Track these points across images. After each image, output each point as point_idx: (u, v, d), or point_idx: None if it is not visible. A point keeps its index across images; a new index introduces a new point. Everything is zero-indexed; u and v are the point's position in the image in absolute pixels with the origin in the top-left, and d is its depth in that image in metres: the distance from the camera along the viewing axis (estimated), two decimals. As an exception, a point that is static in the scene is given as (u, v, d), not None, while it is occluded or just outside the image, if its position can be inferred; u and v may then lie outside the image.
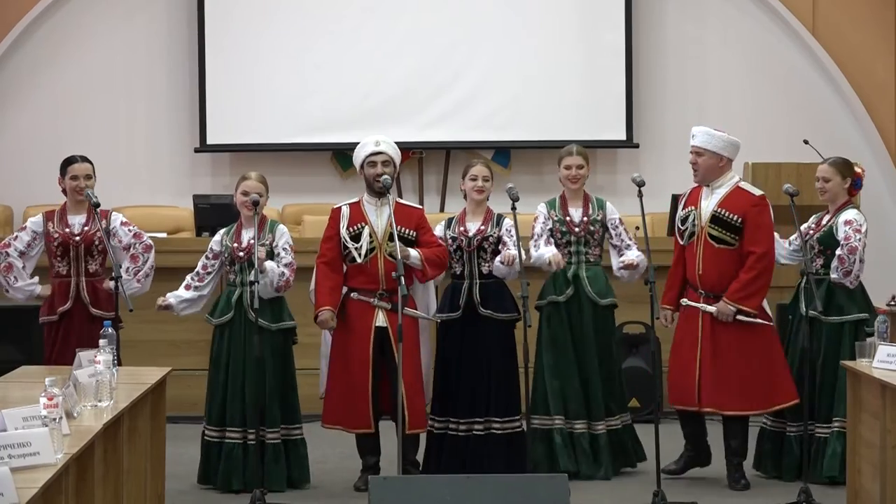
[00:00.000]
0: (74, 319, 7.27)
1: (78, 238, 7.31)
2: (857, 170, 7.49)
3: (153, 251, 7.49)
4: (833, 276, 7.28)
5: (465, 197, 7.58)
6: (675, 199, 8.08)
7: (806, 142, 10.67)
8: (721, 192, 7.34)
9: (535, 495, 5.12)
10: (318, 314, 7.16)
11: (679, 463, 7.55)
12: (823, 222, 7.42)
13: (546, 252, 7.43)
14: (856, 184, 7.44)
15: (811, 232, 7.42)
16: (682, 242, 7.40)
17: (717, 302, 7.25)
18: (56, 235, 7.29)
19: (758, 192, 7.41)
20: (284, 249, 7.27)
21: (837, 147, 10.25)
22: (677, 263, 7.46)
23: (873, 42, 11.63)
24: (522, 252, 7.19)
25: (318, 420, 7.40)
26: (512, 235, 7.33)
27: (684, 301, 7.34)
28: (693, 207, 7.37)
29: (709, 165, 7.36)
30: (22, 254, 7.29)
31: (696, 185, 7.46)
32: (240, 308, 7.17)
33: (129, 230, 7.49)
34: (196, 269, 7.37)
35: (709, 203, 7.33)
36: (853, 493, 6.65)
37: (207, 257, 7.36)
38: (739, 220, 7.26)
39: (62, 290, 7.29)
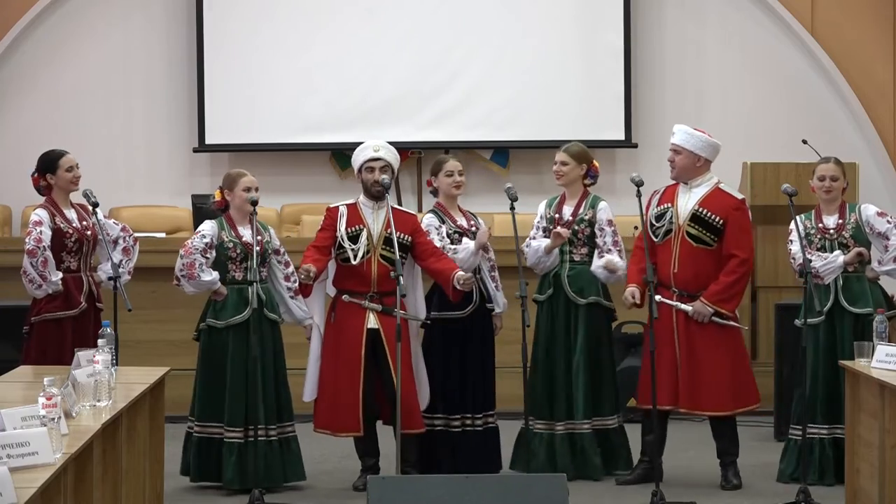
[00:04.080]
0: (83, 315, 7.28)
1: (89, 233, 7.34)
2: None
3: (138, 243, 7.56)
4: (885, 268, 7.30)
5: (434, 193, 7.57)
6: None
7: (805, 142, 10.68)
8: (700, 191, 7.30)
9: (534, 495, 5.12)
10: (301, 265, 7.08)
11: (633, 474, 7.38)
12: (833, 222, 7.35)
13: (540, 244, 7.43)
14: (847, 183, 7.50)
15: (830, 232, 7.34)
16: (655, 240, 7.28)
17: (690, 301, 7.23)
18: (70, 231, 7.29)
19: (739, 195, 7.40)
20: (283, 249, 7.39)
21: (836, 147, 10.25)
22: (645, 256, 7.25)
23: (872, 42, 11.63)
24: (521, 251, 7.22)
25: (307, 420, 7.40)
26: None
27: (658, 298, 7.24)
28: (669, 205, 7.32)
29: (685, 164, 7.32)
30: (49, 248, 7.26)
31: (672, 182, 7.41)
32: (256, 306, 7.13)
33: (115, 223, 7.54)
34: (199, 253, 7.16)
35: (687, 202, 7.29)
36: (852, 493, 6.65)
37: (207, 245, 7.21)
38: (721, 221, 7.23)
39: (77, 285, 7.30)
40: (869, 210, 7.37)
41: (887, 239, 7.31)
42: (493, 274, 7.51)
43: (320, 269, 7.14)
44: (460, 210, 7.56)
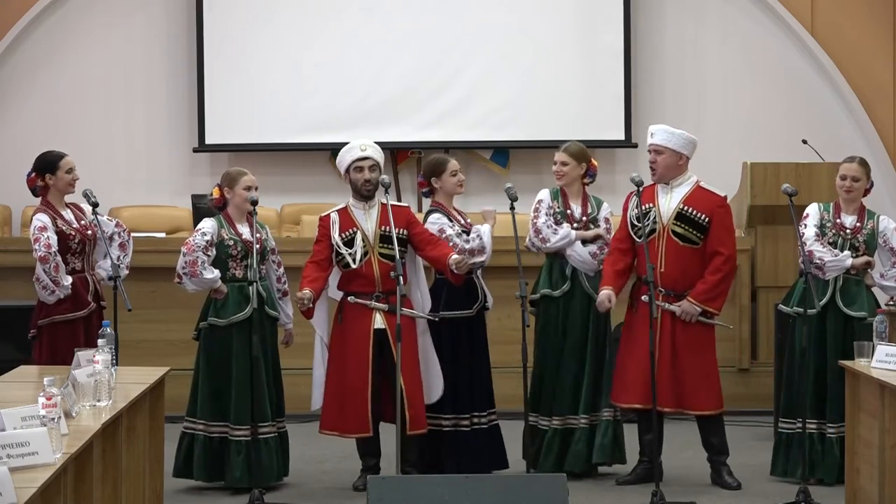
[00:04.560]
0: (95, 314, 7.28)
1: (89, 233, 7.34)
2: None
3: (131, 236, 7.56)
4: (885, 283, 7.34)
5: (428, 194, 7.58)
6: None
7: (805, 142, 10.69)
8: (682, 190, 7.30)
9: (534, 495, 5.11)
10: (298, 292, 7.08)
11: (633, 474, 7.39)
12: (851, 222, 7.35)
13: (570, 230, 7.44)
14: (871, 185, 7.46)
15: (846, 230, 7.33)
16: (639, 241, 7.25)
17: (676, 300, 7.22)
18: (73, 233, 7.28)
19: (721, 192, 7.40)
20: (276, 248, 7.43)
21: (836, 147, 10.28)
22: (623, 257, 7.32)
23: (872, 42, 11.64)
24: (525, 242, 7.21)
25: (306, 420, 7.39)
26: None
27: (645, 297, 7.17)
28: (651, 205, 7.30)
29: (668, 164, 7.31)
30: (57, 254, 7.26)
31: (652, 183, 7.38)
32: (257, 303, 7.15)
33: (109, 220, 7.55)
34: (201, 251, 7.14)
35: (669, 201, 7.29)
36: (852, 493, 6.65)
37: (208, 242, 7.20)
38: (707, 219, 7.23)
39: (84, 285, 7.29)
40: (889, 223, 7.38)
41: None
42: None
43: (318, 291, 7.13)
44: (455, 209, 7.57)
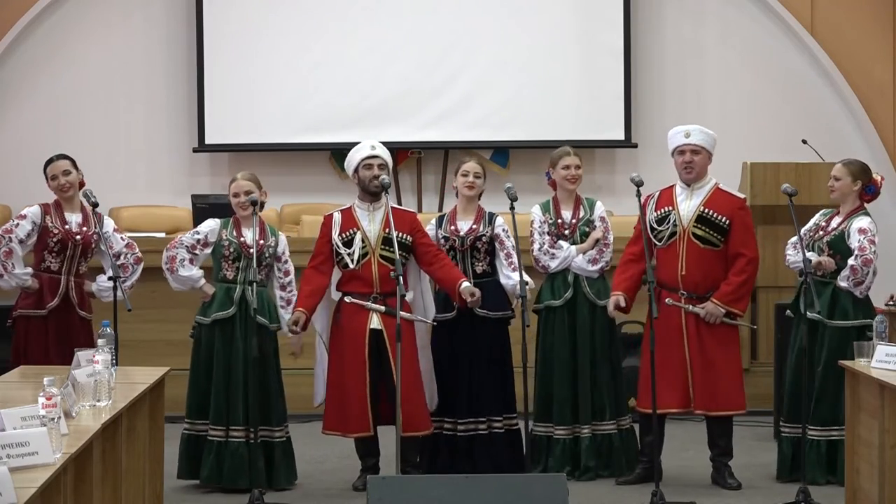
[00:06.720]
0: (59, 318, 7.25)
1: (78, 238, 7.30)
2: (875, 177, 7.38)
3: (142, 264, 7.48)
4: (842, 283, 7.22)
5: (456, 195, 7.58)
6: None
7: (805, 142, 10.69)
8: (703, 192, 7.28)
9: (534, 495, 5.12)
10: (293, 313, 7.15)
11: (633, 474, 7.37)
12: (832, 225, 7.33)
13: (570, 249, 7.44)
14: (868, 189, 7.34)
15: (820, 232, 7.35)
16: (658, 244, 7.25)
17: (698, 303, 7.22)
18: (56, 231, 7.26)
19: (740, 194, 7.40)
20: (289, 260, 7.37)
21: (836, 147, 10.27)
22: (632, 266, 7.31)
23: (872, 42, 11.64)
24: (520, 253, 7.19)
25: (306, 420, 7.37)
26: (508, 236, 7.37)
27: (669, 301, 7.20)
28: (670, 208, 7.28)
29: (704, 164, 7.31)
30: (21, 241, 7.25)
31: (680, 183, 7.32)
32: (242, 306, 7.15)
33: (122, 238, 7.47)
34: (184, 248, 7.19)
35: (689, 204, 7.26)
36: (851, 493, 6.65)
37: (199, 241, 7.23)
38: (727, 221, 7.22)
39: (52, 286, 7.26)
40: (857, 223, 7.24)
41: (853, 257, 7.24)
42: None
43: (312, 308, 7.15)
44: (477, 214, 7.48)
